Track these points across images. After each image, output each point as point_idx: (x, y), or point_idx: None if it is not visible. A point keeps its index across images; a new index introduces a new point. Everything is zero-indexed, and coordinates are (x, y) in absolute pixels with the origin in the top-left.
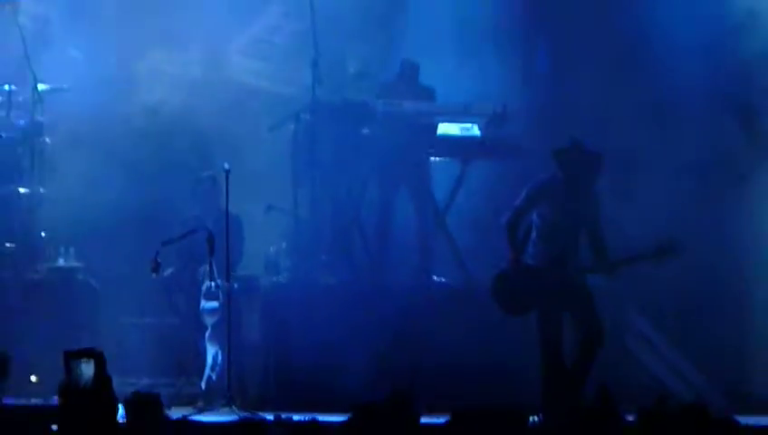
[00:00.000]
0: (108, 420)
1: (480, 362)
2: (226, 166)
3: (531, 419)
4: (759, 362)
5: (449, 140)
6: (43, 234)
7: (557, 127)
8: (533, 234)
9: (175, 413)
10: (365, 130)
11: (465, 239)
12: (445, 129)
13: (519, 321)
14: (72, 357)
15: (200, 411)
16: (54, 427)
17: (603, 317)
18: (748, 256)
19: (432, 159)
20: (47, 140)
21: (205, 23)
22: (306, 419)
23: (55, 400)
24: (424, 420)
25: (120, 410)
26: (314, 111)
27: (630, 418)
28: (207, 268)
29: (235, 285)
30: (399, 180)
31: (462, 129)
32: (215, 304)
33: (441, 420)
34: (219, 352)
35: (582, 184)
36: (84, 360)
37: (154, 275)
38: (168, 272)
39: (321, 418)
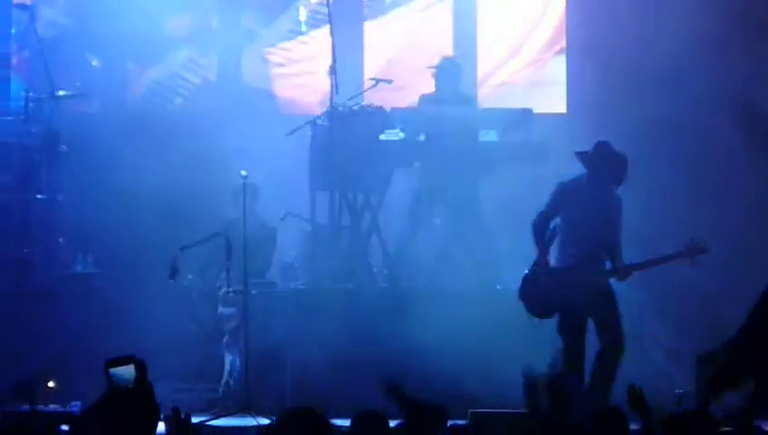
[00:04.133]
0: (150, 427)
1: (498, 368)
2: (243, 173)
3: None
4: None
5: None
6: (60, 240)
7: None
8: (559, 237)
9: (193, 419)
10: (384, 136)
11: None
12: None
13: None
14: (112, 365)
15: (218, 417)
16: (64, 427)
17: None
18: None
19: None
20: (64, 146)
21: (223, 27)
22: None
23: (74, 406)
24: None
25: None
26: (332, 116)
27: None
28: (225, 274)
29: (253, 291)
30: (431, 187)
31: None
32: (232, 309)
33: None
34: (237, 358)
35: (607, 185)
36: (124, 367)
37: (171, 280)
38: (186, 278)
39: (338, 422)
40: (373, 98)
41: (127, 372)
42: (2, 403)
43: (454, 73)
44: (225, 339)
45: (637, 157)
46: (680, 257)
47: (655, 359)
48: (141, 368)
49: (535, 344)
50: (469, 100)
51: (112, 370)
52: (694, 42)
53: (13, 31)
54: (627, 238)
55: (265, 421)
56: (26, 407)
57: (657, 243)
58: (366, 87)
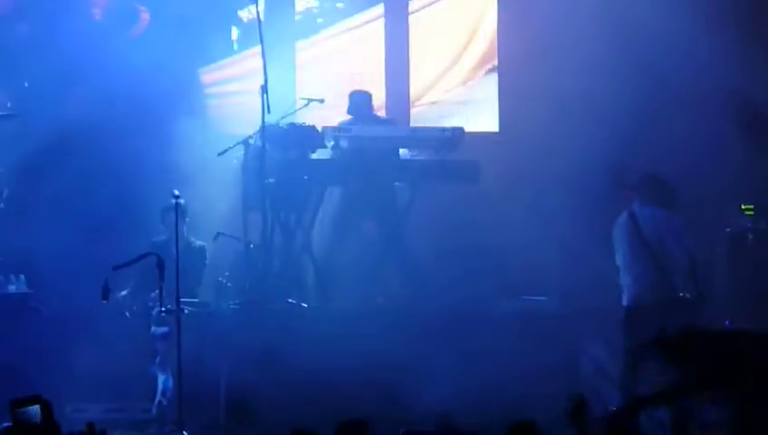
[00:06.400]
0: None
1: (430, 385)
2: (176, 192)
3: None
4: None
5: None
6: None
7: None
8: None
9: None
10: (315, 155)
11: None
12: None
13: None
14: (18, 405)
15: None
16: None
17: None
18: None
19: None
20: None
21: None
22: None
23: (4, 427)
24: None
25: None
26: (263, 136)
27: None
28: (158, 294)
29: (185, 311)
30: (361, 204)
31: (409, 152)
32: (165, 329)
33: None
34: (170, 378)
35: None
36: (30, 407)
37: (104, 301)
38: (119, 295)
39: None
40: (305, 117)
41: (33, 411)
42: None
43: (362, 102)
44: (157, 359)
45: (573, 177)
46: None
47: (587, 376)
48: (47, 407)
49: (466, 361)
50: (385, 122)
51: (18, 409)
52: (624, 61)
53: None
54: None
55: None
56: None
57: None
58: (298, 106)
